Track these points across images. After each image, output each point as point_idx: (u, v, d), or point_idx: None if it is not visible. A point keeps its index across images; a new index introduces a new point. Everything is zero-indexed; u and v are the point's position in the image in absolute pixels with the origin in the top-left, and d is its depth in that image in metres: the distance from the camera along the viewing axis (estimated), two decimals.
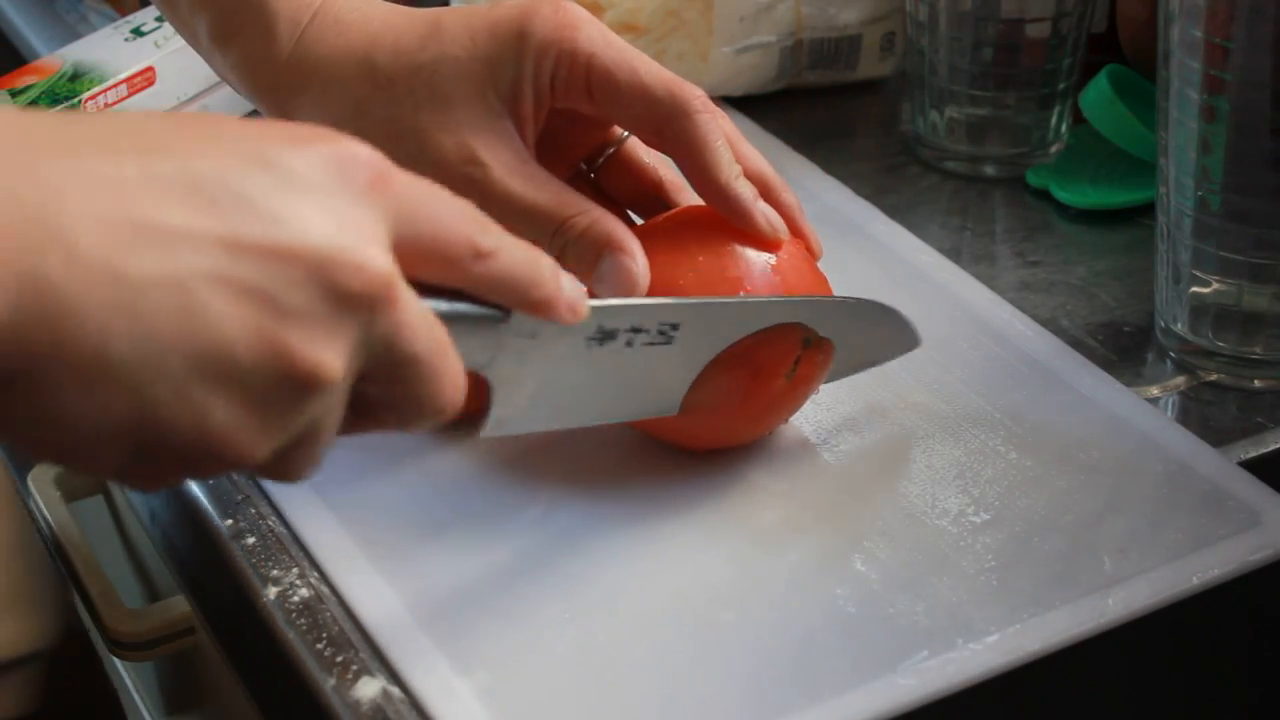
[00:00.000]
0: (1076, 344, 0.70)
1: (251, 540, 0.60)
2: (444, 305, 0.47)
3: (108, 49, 0.84)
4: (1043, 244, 0.79)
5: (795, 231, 0.62)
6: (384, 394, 0.44)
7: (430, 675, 0.54)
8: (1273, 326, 0.68)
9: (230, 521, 0.60)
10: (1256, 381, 0.68)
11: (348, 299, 0.41)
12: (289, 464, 0.43)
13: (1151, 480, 0.62)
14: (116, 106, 0.82)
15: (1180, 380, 0.69)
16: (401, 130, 0.58)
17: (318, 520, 0.60)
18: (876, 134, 0.90)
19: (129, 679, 0.91)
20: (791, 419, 0.63)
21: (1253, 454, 0.65)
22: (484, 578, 0.57)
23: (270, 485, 0.61)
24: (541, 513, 0.60)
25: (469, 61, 0.58)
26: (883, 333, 0.64)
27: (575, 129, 0.62)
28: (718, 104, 0.62)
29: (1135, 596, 0.56)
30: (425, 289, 0.46)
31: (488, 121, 0.58)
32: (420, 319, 0.44)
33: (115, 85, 0.82)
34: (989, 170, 0.85)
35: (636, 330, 0.55)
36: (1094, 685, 0.58)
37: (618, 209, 0.64)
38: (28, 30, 0.96)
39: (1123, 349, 0.71)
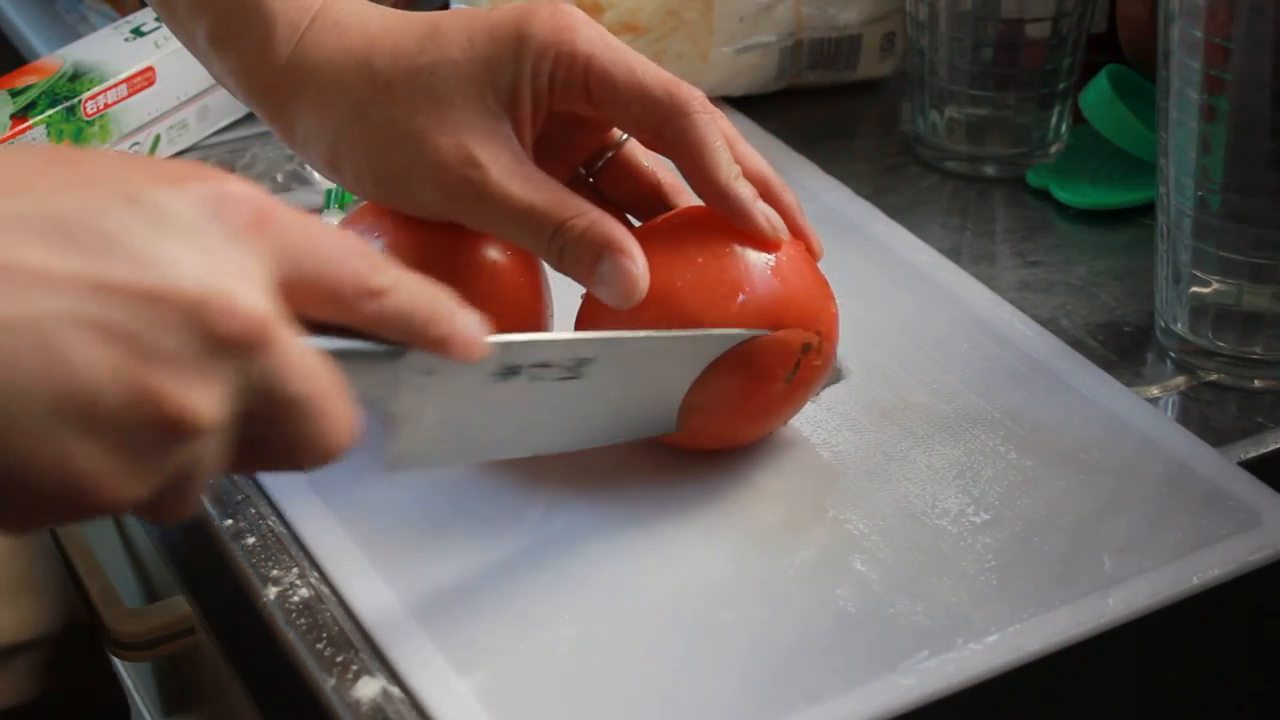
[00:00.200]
0: (1076, 344, 0.70)
1: (251, 540, 0.60)
2: (335, 343, 0.46)
3: (108, 49, 0.84)
4: (1043, 244, 0.79)
5: (795, 232, 0.62)
6: (270, 435, 0.43)
7: (430, 675, 0.54)
8: (1273, 326, 0.68)
9: (230, 521, 0.60)
10: (1256, 381, 0.68)
11: (222, 342, 0.40)
12: (165, 506, 0.42)
13: (1151, 480, 0.62)
14: (116, 106, 0.82)
15: (1180, 380, 0.69)
16: (400, 133, 0.58)
17: (318, 520, 0.60)
18: (876, 134, 0.90)
19: (129, 679, 0.91)
20: (791, 419, 0.63)
21: (1253, 454, 0.65)
22: (484, 578, 0.57)
23: (271, 485, 0.62)
24: (541, 513, 0.60)
25: (467, 64, 0.58)
26: None
27: (574, 132, 0.62)
28: (717, 104, 0.62)
29: (1135, 596, 0.56)
30: (320, 326, 0.45)
31: (486, 123, 0.58)
32: (302, 360, 0.42)
33: (115, 85, 0.82)
34: (989, 170, 0.85)
35: (544, 365, 0.54)
36: (1094, 685, 0.58)
37: (617, 212, 0.64)
38: (28, 30, 0.96)
39: (1123, 349, 0.71)
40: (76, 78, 0.81)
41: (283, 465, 0.45)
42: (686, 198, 0.63)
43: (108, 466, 0.39)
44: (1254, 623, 0.63)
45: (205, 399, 0.40)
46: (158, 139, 0.85)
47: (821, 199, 0.79)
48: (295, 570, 0.58)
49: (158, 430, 0.40)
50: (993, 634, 0.55)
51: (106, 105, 0.81)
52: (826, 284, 0.62)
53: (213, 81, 0.85)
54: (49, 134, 0.79)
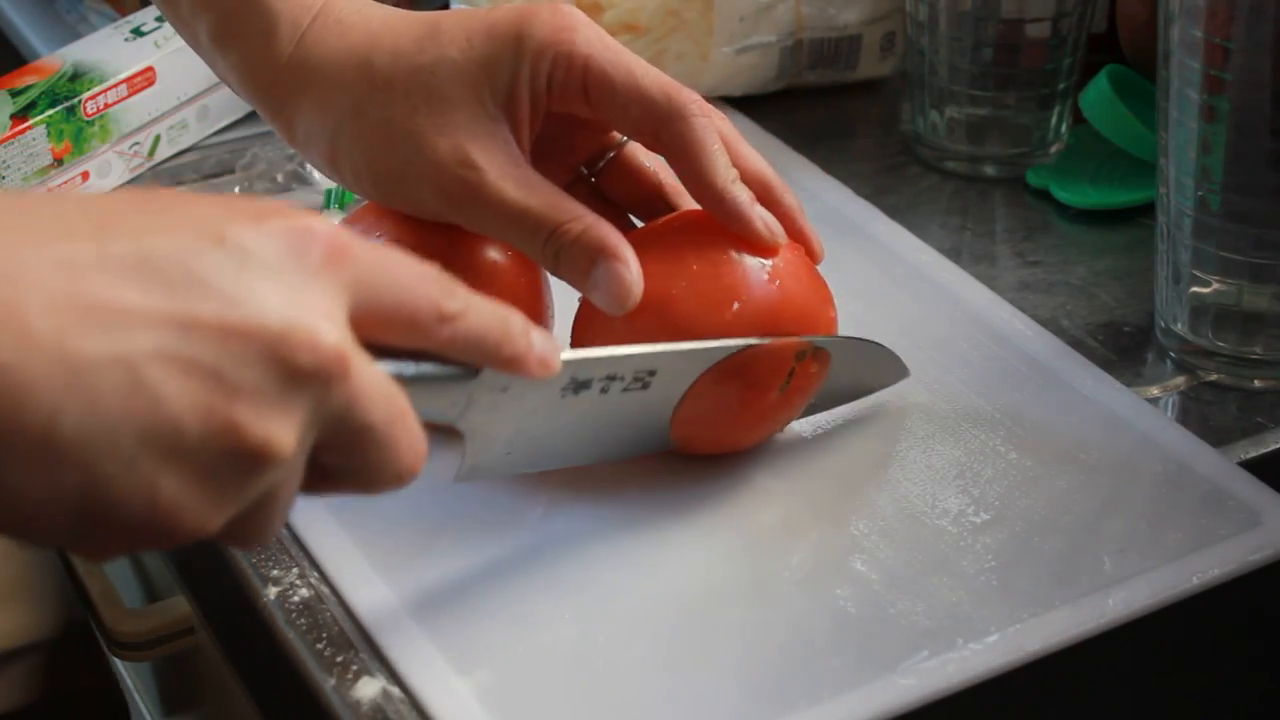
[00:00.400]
0: (1076, 344, 0.70)
1: None
2: (409, 369, 0.48)
3: (108, 49, 0.84)
4: (1043, 244, 0.79)
5: (796, 234, 0.61)
6: (342, 462, 0.45)
7: (430, 675, 0.54)
8: (1273, 326, 0.68)
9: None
10: (1256, 381, 0.68)
11: (299, 375, 0.42)
12: (245, 533, 0.44)
13: (1151, 480, 0.62)
14: (116, 106, 0.82)
15: (1180, 380, 0.69)
16: (397, 132, 0.58)
17: (318, 520, 0.60)
18: (876, 134, 0.90)
19: (129, 679, 0.91)
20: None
21: (1253, 454, 0.65)
22: (484, 578, 0.57)
23: None
24: (541, 513, 0.60)
25: (465, 64, 0.58)
26: (871, 366, 0.64)
27: (574, 133, 0.62)
28: (717, 104, 0.62)
29: (1135, 596, 0.56)
30: (392, 352, 0.47)
31: (483, 124, 0.58)
32: (376, 389, 0.44)
33: (115, 85, 0.82)
34: (989, 170, 0.85)
35: (612, 378, 0.56)
36: (1094, 685, 0.58)
37: (618, 213, 0.64)
38: (28, 30, 0.96)
39: (1123, 349, 0.71)
40: (76, 78, 0.81)
41: (356, 489, 0.47)
42: (688, 199, 0.63)
43: (191, 496, 0.41)
44: (1254, 623, 0.63)
45: (284, 430, 0.42)
46: (158, 139, 0.85)
47: (821, 199, 0.79)
48: (295, 570, 0.58)
49: (238, 460, 0.41)
50: (993, 634, 0.55)
51: (106, 105, 0.81)
52: (826, 288, 0.62)
53: (213, 81, 0.85)
54: (49, 134, 0.79)
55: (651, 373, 0.57)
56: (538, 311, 0.63)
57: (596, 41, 0.59)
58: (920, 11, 0.82)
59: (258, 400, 0.41)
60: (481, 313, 0.48)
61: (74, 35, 0.91)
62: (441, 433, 0.52)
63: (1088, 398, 0.66)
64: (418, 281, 0.46)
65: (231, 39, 0.61)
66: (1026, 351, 0.68)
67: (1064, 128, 0.85)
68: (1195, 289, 0.68)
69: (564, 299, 0.62)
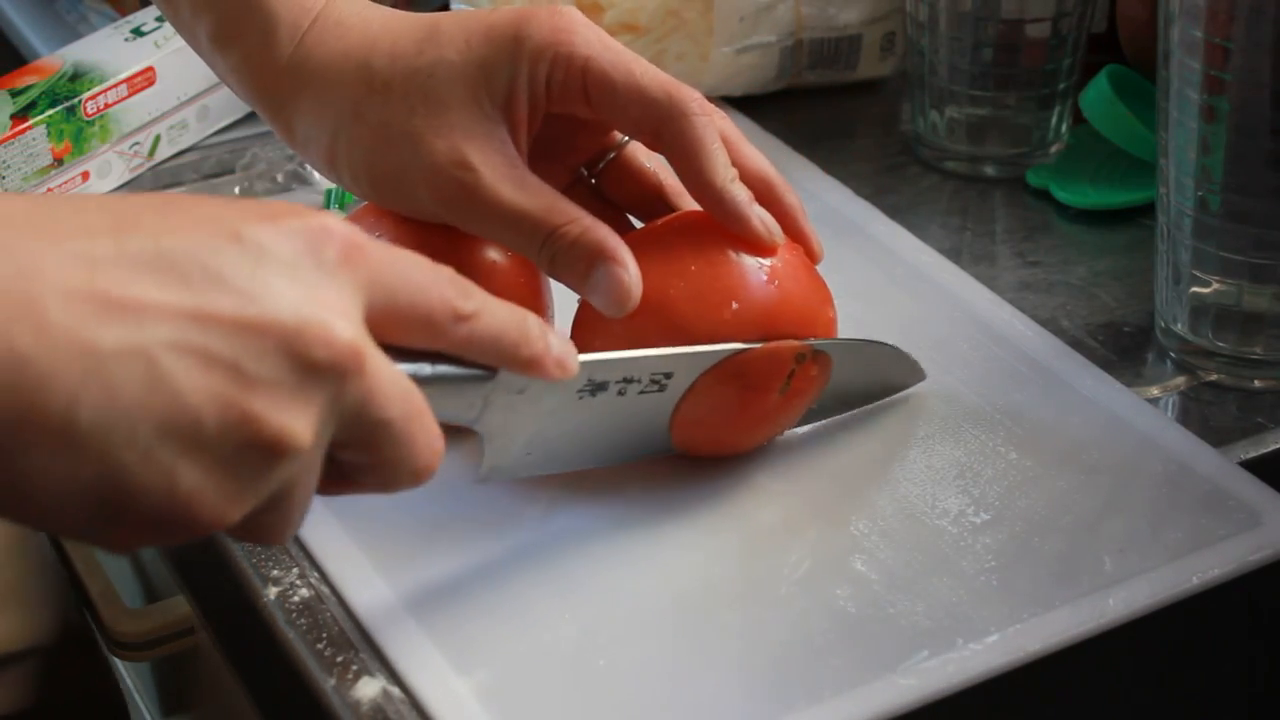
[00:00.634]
0: (1076, 344, 0.70)
1: None
2: (426, 369, 0.48)
3: (108, 49, 0.84)
4: (1043, 244, 0.79)
5: (796, 234, 0.61)
6: (359, 459, 0.46)
7: (430, 675, 0.54)
8: (1273, 326, 0.68)
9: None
10: (1256, 381, 0.68)
11: (315, 369, 0.42)
12: (263, 527, 0.45)
13: (1151, 480, 0.62)
14: (116, 106, 0.82)
15: (1180, 380, 0.69)
16: (395, 133, 0.58)
17: (318, 520, 0.60)
18: (876, 134, 0.90)
19: (129, 679, 0.91)
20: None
21: (1253, 454, 0.65)
22: (484, 578, 0.57)
23: None
24: (541, 513, 0.60)
25: (464, 65, 0.58)
26: (884, 369, 0.64)
27: (574, 134, 0.62)
28: (718, 104, 0.62)
29: (1135, 596, 0.56)
30: (410, 352, 0.47)
31: (481, 126, 0.58)
32: (392, 386, 0.45)
33: (115, 85, 0.82)
34: (989, 170, 0.85)
35: (629, 380, 0.56)
36: (1094, 685, 0.58)
37: (618, 214, 0.64)
38: (28, 30, 0.96)
39: (1123, 349, 0.71)
40: (76, 78, 0.81)
41: (373, 487, 0.47)
42: (688, 199, 0.63)
43: (209, 487, 0.42)
44: (1254, 623, 0.63)
45: (300, 423, 0.42)
46: (158, 139, 0.85)
47: (821, 199, 0.79)
48: (295, 570, 0.58)
49: (255, 452, 0.42)
50: (993, 634, 0.55)
51: (106, 105, 0.81)
52: (825, 289, 0.61)
53: (213, 82, 0.85)
54: (49, 134, 0.79)
55: (668, 375, 0.57)
56: (538, 312, 0.62)
57: (596, 42, 0.59)
58: (920, 11, 0.82)
59: (274, 393, 0.42)
60: (498, 314, 0.48)
61: (74, 35, 0.91)
62: (461, 434, 0.52)
63: (1088, 398, 0.66)
64: (433, 282, 0.47)
65: (231, 40, 0.61)
66: (1026, 351, 0.68)
67: (1064, 128, 0.85)
68: (1195, 289, 0.68)
69: (564, 299, 0.62)
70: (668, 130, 0.59)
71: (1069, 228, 0.80)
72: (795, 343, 0.59)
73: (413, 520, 0.60)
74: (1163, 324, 0.70)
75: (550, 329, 0.50)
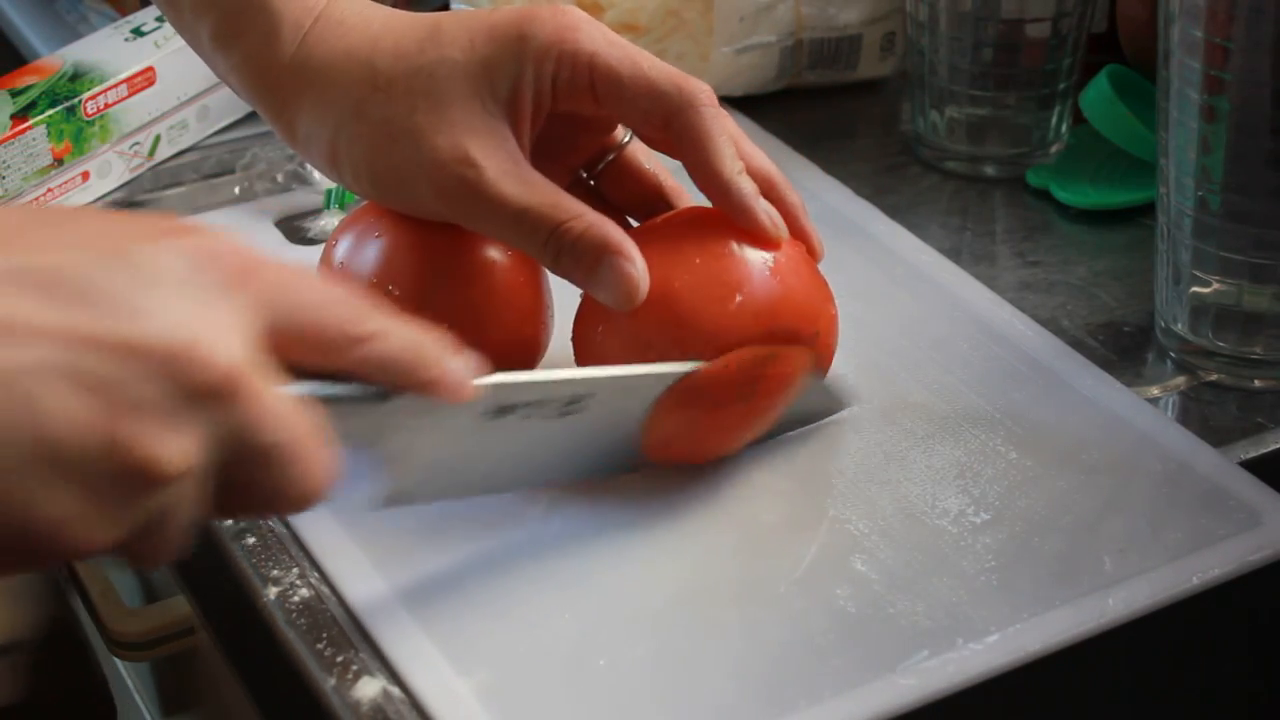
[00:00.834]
0: (1076, 344, 0.70)
1: (251, 540, 0.60)
2: (322, 388, 0.47)
3: (108, 49, 0.84)
4: (1043, 244, 0.79)
5: (797, 233, 0.61)
6: (250, 480, 0.44)
7: (430, 675, 0.54)
8: (1273, 326, 0.68)
9: (230, 521, 0.60)
10: (1256, 381, 0.68)
11: (195, 392, 0.41)
12: (143, 551, 0.43)
13: (1151, 480, 0.62)
14: (116, 106, 0.82)
15: (1180, 380, 0.69)
16: (398, 131, 0.58)
17: (318, 520, 0.60)
18: (876, 134, 0.90)
19: (128, 679, 0.91)
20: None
21: (1253, 454, 0.65)
22: (484, 578, 0.57)
23: None
24: (541, 513, 0.60)
25: (467, 64, 0.58)
26: (807, 400, 0.63)
27: (575, 134, 0.62)
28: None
29: (1135, 596, 0.56)
30: (311, 372, 0.46)
31: (484, 123, 0.58)
32: (277, 408, 0.43)
33: (115, 85, 0.82)
34: (989, 170, 0.85)
35: (538, 404, 0.55)
36: (1094, 685, 0.58)
37: (617, 215, 0.64)
38: (28, 30, 0.96)
39: (1123, 349, 0.71)
40: (76, 78, 0.81)
41: (265, 510, 0.46)
42: (687, 201, 0.63)
43: (78, 512, 0.40)
44: (1254, 623, 0.63)
45: (177, 447, 0.41)
46: (158, 139, 0.85)
47: (821, 199, 0.79)
48: (295, 570, 0.58)
49: (129, 477, 0.41)
50: (993, 634, 0.55)
51: (106, 105, 0.81)
52: (826, 285, 0.62)
53: (213, 81, 0.85)
54: (49, 134, 0.79)
55: (577, 398, 0.56)
56: (538, 310, 0.63)
57: (600, 38, 0.59)
58: (920, 11, 0.82)
59: (151, 416, 0.41)
60: (396, 335, 0.48)
61: (74, 35, 0.91)
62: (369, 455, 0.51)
63: (1088, 398, 0.66)
64: (329, 302, 0.46)
65: (233, 40, 0.61)
66: (1026, 351, 0.68)
67: (1064, 128, 0.85)
68: (1195, 289, 0.68)
69: (564, 299, 0.62)
70: (677, 121, 0.59)
71: (1069, 228, 0.80)
72: (742, 352, 0.58)
73: (413, 520, 0.60)
74: (1163, 324, 0.71)
75: (452, 351, 0.49)
